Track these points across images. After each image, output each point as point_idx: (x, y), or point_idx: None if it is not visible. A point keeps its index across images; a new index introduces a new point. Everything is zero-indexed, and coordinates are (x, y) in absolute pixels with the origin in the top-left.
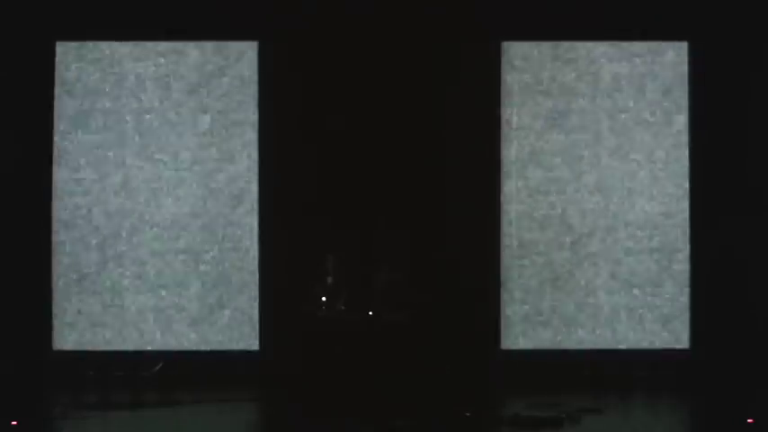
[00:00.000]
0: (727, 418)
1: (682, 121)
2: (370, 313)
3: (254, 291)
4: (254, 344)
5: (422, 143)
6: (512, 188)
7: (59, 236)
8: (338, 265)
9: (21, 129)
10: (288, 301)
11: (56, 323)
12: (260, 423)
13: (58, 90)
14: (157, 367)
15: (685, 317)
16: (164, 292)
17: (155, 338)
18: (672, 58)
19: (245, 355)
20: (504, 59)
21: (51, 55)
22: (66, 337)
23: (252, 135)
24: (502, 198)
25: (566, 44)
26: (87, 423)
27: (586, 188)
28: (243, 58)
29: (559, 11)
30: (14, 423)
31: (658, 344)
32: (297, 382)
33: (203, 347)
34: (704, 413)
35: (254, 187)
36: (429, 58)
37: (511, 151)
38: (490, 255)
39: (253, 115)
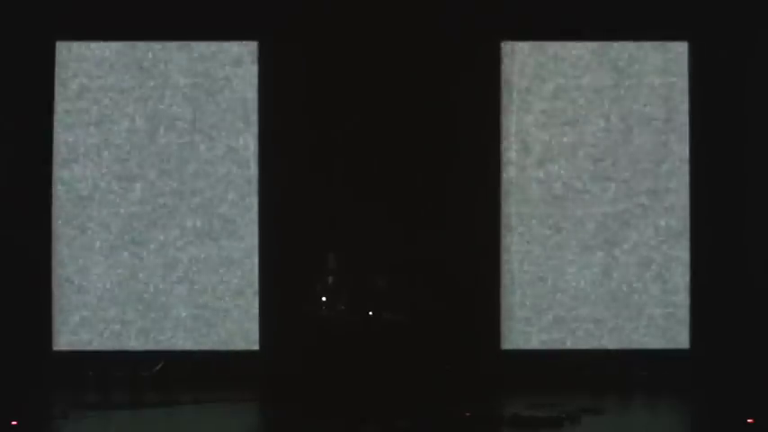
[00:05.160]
0: (727, 418)
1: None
2: (370, 313)
3: (254, 290)
4: (254, 344)
5: (422, 142)
6: (512, 187)
7: (59, 235)
8: (338, 265)
9: (20, 128)
10: (288, 301)
11: (56, 323)
12: (260, 423)
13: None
14: (157, 367)
15: (685, 317)
16: (162, 292)
17: (155, 338)
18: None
19: (245, 355)
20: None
21: (51, 55)
22: (67, 338)
23: (252, 135)
24: (503, 197)
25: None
26: (87, 423)
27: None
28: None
29: (559, 11)
30: (14, 423)
31: (658, 344)
32: (297, 382)
33: (203, 347)
34: (704, 413)
35: (254, 187)
36: (429, 59)
37: (512, 149)
38: (490, 254)
39: (253, 115)
